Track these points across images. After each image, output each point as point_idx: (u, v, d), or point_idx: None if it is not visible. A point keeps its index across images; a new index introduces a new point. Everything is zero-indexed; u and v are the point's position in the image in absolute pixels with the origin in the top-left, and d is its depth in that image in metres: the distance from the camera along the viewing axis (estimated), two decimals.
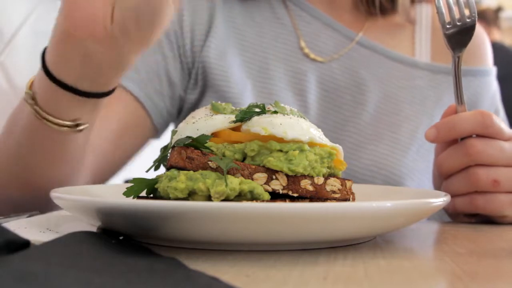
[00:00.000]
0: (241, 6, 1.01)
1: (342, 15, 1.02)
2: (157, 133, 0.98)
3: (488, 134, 0.68)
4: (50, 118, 0.64)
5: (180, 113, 0.99)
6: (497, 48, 3.25)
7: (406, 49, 1.02)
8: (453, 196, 0.69)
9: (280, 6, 1.01)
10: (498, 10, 3.64)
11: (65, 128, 0.65)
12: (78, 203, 0.50)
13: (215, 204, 0.43)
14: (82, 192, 0.63)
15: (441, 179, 0.74)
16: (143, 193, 0.56)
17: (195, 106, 0.97)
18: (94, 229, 0.51)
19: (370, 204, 0.46)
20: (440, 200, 0.52)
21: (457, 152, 0.70)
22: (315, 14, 1.01)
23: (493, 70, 1.04)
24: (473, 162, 0.68)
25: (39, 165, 0.70)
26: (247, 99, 0.92)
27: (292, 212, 0.43)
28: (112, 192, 0.63)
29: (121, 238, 0.49)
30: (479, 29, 1.05)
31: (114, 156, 0.93)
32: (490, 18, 3.50)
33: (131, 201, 0.46)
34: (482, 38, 1.05)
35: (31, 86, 0.66)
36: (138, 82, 0.93)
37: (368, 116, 0.95)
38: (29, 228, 0.54)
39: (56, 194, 0.53)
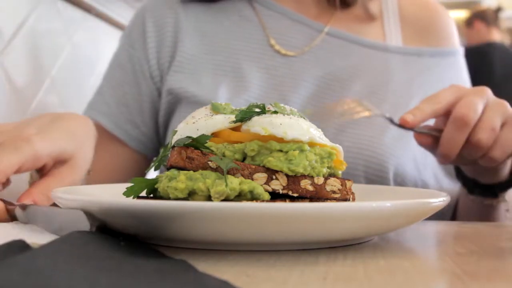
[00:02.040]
0: (207, 14, 1.03)
1: (308, 10, 1.04)
2: (145, 157, 1.02)
3: (463, 90, 0.74)
4: None
5: (163, 134, 1.01)
6: (497, 48, 3.26)
7: (376, 35, 1.03)
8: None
9: (247, 8, 1.03)
10: (498, 10, 3.64)
11: None
12: (78, 203, 0.50)
13: (215, 204, 0.43)
14: (82, 192, 0.63)
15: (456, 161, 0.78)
16: (143, 193, 0.56)
17: (168, 121, 0.99)
18: (94, 229, 0.51)
19: (370, 204, 0.46)
20: (440, 200, 0.52)
21: (454, 130, 0.73)
22: (282, 11, 1.02)
23: (460, 50, 1.07)
24: (469, 128, 0.72)
25: None
26: (221, 99, 0.93)
27: (292, 212, 0.43)
28: (112, 192, 0.63)
29: (120, 238, 0.49)
30: (443, 11, 1.08)
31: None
32: (490, 18, 3.52)
33: (131, 201, 0.46)
34: (447, 20, 1.07)
35: None
36: (109, 115, 0.98)
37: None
38: (29, 228, 0.54)
39: (56, 194, 0.53)
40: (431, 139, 0.77)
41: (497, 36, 3.50)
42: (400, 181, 0.90)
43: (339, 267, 0.43)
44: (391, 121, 0.77)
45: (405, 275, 0.42)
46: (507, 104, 0.75)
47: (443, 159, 0.76)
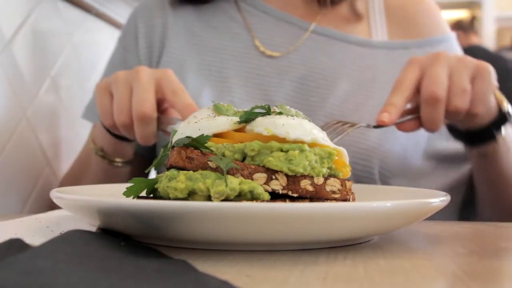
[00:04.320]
0: (196, 14, 1.04)
1: (294, 10, 1.04)
2: (142, 157, 1.03)
3: (423, 63, 0.76)
4: (116, 160, 0.92)
5: None
6: (479, 49, 3.34)
7: (362, 33, 1.04)
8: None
9: (233, 8, 1.04)
10: (473, 19, 3.94)
11: (124, 164, 0.93)
12: (78, 203, 0.50)
13: (215, 204, 0.43)
14: (82, 192, 0.63)
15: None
16: (143, 193, 0.56)
17: None
18: (94, 229, 0.51)
19: (370, 204, 0.46)
20: (440, 200, 0.52)
21: (430, 109, 0.74)
22: (268, 11, 1.03)
23: (450, 36, 1.07)
24: (443, 103, 0.74)
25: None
26: (204, 98, 0.94)
27: (292, 212, 0.43)
28: (112, 192, 0.63)
29: (120, 238, 0.49)
30: (429, 0, 1.07)
31: None
32: (466, 26, 3.74)
33: (131, 201, 0.46)
34: (432, 8, 1.07)
35: (94, 142, 0.92)
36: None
37: (335, 99, 0.96)
38: (29, 227, 0.54)
39: (56, 194, 0.53)
40: (414, 123, 0.78)
41: (476, 41, 3.68)
42: (388, 175, 0.91)
43: (339, 267, 0.43)
44: (370, 126, 0.78)
45: (405, 275, 0.42)
46: (467, 57, 0.77)
47: (431, 132, 0.79)
